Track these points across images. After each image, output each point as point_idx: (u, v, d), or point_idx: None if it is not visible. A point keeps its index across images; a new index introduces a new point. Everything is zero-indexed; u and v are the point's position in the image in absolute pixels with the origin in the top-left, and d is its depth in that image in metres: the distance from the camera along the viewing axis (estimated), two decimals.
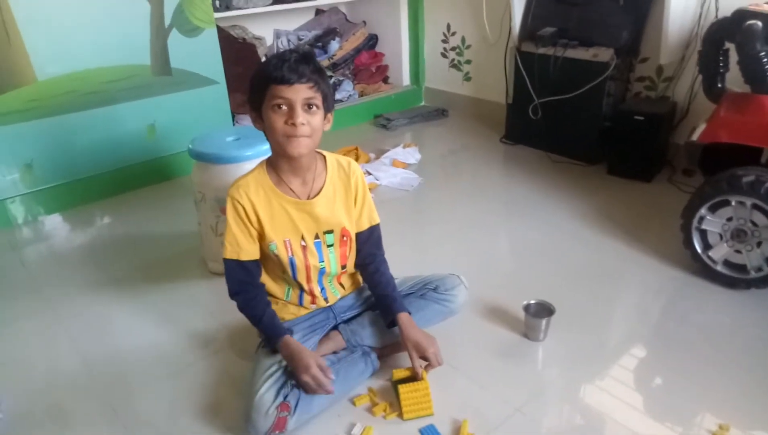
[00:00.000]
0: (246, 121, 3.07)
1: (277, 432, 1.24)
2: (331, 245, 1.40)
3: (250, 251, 1.33)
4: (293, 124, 1.20)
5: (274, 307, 1.39)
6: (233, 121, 3.01)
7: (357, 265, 1.48)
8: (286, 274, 1.38)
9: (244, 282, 1.35)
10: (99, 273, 2.03)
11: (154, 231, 2.31)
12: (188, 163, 1.97)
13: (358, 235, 1.43)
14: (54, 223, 2.44)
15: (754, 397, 1.37)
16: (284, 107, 1.20)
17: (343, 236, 1.40)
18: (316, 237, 1.37)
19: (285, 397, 1.26)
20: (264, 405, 1.23)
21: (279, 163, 1.32)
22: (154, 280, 1.97)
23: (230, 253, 1.32)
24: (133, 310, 1.82)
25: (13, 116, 2.29)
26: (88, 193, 2.56)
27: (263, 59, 3.23)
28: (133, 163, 2.65)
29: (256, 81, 1.24)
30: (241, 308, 1.37)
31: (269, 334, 1.34)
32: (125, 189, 2.65)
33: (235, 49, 3.11)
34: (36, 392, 1.49)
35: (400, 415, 1.33)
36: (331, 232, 1.38)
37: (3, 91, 2.25)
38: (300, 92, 1.19)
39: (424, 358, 1.37)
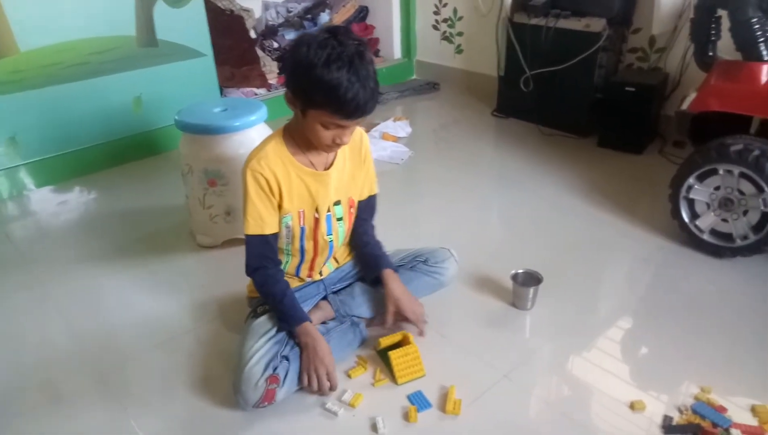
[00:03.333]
0: (233, 93, 3.03)
1: (266, 403, 1.25)
2: (341, 219, 1.40)
3: (272, 224, 1.31)
4: (340, 144, 1.23)
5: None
6: (221, 95, 2.96)
7: None
8: (291, 244, 1.37)
9: (266, 257, 1.32)
10: (87, 247, 2.02)
11: (142, 205, 2.29)
12: (175, 137, 1.94)
13: (357, 203, 1.45)
14: (40, 197, 2.42)
15: (735, 362, 1.40)
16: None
17: (350, 207, 1.41)
18: (328, 210, 1.37)
19: (274, 370, 1.26)
20: (253, 377, 1.23)
21: (299, 137, 1.29)
22: (143, 254, 1.96)
23: (254, 229, 1.29)
24: (122, 283, 1.81)
25: None
26: (75, 167, 2.53)
27: (252, 32, 3.18)
28: (119, 136, 2.61)
29: (315, 93, 1.14)
30: (260, 285, 1.34)
31: (290, 315, 1.32)
32: (112, 163, 2.62)
33: (223, 22, 3.05)
34: (27, 366, 1.49)
35: (393, 381, 1.35)
36: (338, 203, 1.38)
37: None
38: (356, 122, 1.21)
39: (404, 316, 1.39)
